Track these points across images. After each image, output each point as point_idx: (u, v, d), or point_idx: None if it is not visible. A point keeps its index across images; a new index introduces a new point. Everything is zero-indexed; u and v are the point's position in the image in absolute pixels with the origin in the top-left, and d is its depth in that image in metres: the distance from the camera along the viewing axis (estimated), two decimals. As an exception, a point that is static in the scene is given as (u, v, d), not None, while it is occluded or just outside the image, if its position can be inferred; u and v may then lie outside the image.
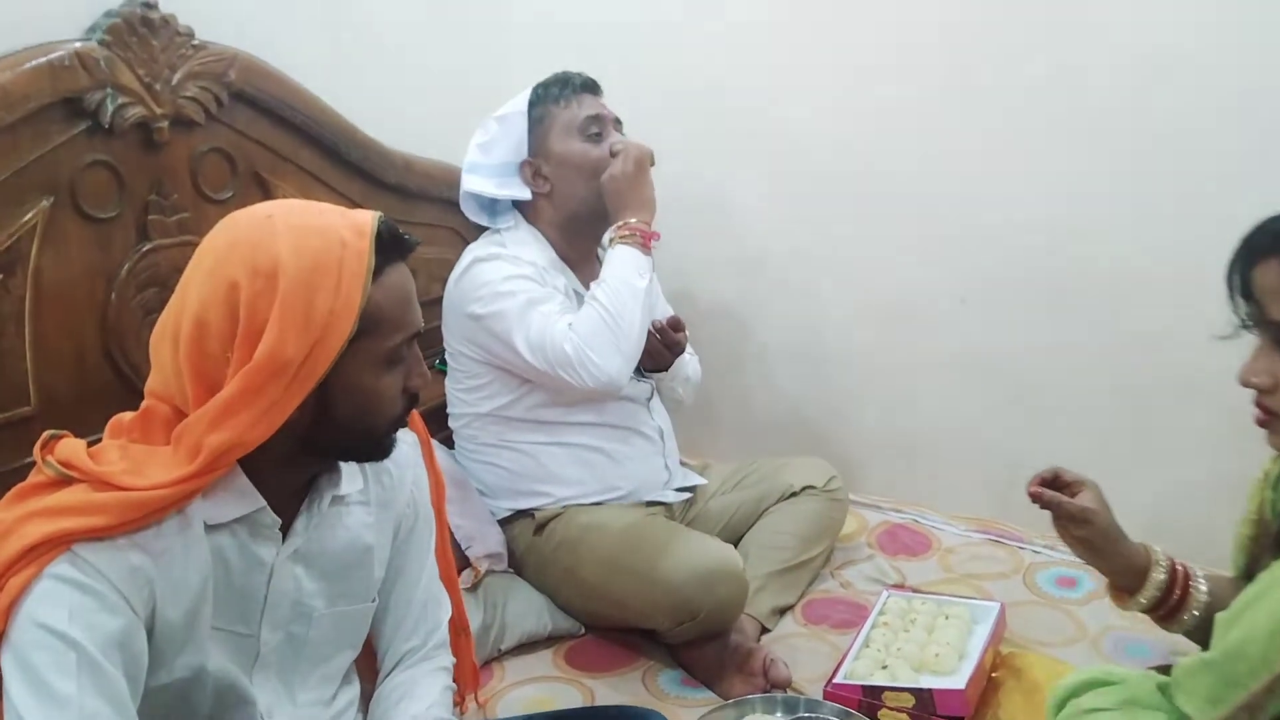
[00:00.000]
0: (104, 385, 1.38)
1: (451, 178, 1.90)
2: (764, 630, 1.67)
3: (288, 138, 1.59)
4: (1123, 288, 1.90)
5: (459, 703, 1.30)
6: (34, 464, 0.97)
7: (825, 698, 1.41)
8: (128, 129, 1.36)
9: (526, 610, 1.66)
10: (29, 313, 1.30)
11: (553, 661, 1.62)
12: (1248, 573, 1.16)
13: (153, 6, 1.37)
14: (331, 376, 0.96)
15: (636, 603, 1.56)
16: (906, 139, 2.02)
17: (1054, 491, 1.23)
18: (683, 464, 1.93)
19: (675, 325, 1.76)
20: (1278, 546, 1.14)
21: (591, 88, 1.77)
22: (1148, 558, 1.21)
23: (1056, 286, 1.97)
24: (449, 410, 1.81)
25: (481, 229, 1.82)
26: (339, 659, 1.15)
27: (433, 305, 1.75)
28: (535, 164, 1.74)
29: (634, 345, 1.62)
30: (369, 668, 1.23)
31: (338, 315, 0.95)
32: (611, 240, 1.67)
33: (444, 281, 1.76)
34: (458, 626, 1.29)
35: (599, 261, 1.84)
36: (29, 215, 1.29)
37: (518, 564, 1.75)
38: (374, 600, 1.17)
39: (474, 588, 1.62)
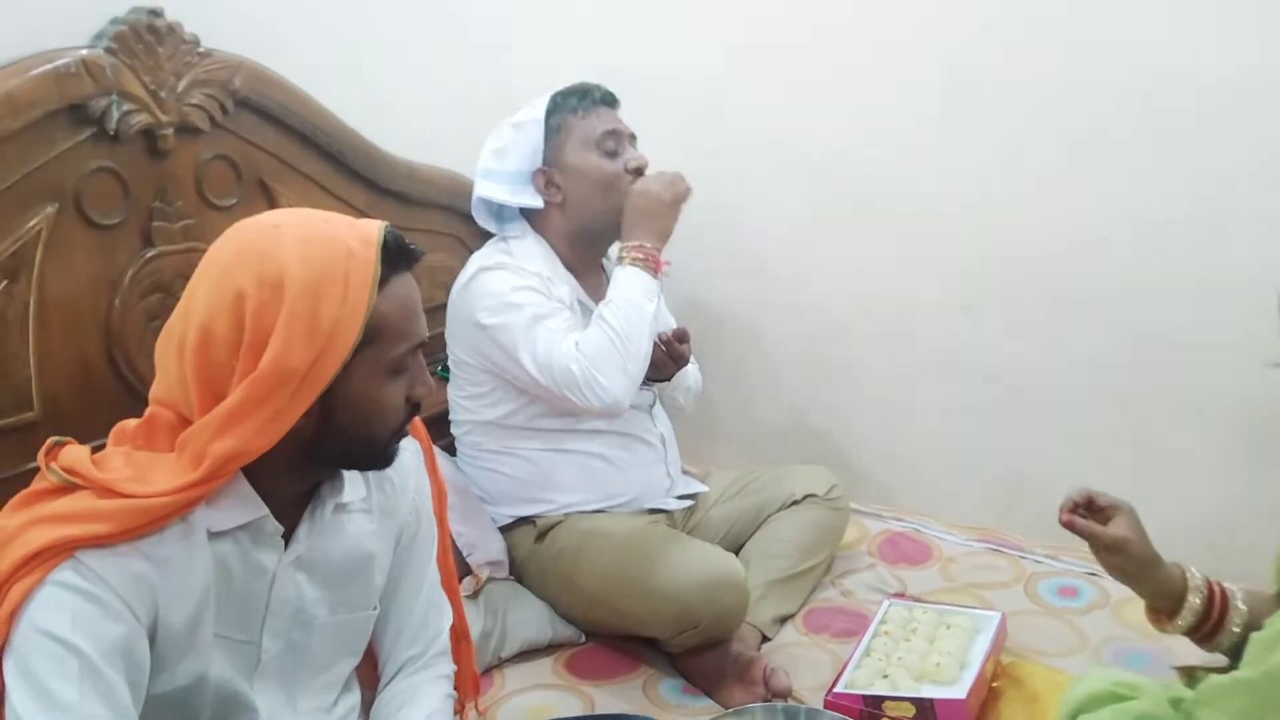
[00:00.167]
0: (107, 392, 1.38)
1: (455, 185, 1.91)
2: (765, 639, 1.67)
3: (292, 145, 1.60)
4: (1125, 298, 1.91)
5: (459, 710, 1.30)
6: (38, 470, 0.97)
7: (826, 707, 1.41)
8: (133, 136, 1.36)
9: (527, 618, 1.66)
10: (33, 318, 1.30)
11: (553, 669, 1.62)
12: None
13: (159, 14, 1.37)
14: (336, 385, 0.97)
15: (637, 611, 1.56)
16: (910, 150, 2.02)
17: (1087, 520, 1.20)
18: (685, 472, 1.93)
19: (680, 337, 1.76)
20: None
21: (610, 101, 1.76)
22: (1184, 581, 1.17)
23: (1059, 297, 1.97)
24: (451, 417, 1.82)
25: (485, 236, 1.83)
26: (340, 666, 1.15)
27: (435, 312, 1.75)
28: (549, 173, 1.74)
29: (640, 368, 1.62)
30: (370, 675, 1.23)
31: (343, 325, 0.95)
32: (620, 257, 1.67)
33: (447, 289, 1.76)
34: (459, 634, 1.29)
35: (604, 273, 1.84)
36: (34, 221, 1.29)
37: (519, 571, 1.75)
38: (375, 608, 1.17)
39: (475, 595, 1.62)
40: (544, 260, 1.74)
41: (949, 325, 2.07)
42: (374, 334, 0.97)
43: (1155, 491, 1.91)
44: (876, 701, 1.41)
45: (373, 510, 1.14)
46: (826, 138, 2.09)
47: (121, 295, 1.39)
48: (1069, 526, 1.20)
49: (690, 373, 1.89)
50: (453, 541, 1.46)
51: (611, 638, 1.67)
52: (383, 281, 0.98)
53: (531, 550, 1.72)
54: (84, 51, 1.31)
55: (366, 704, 1.21)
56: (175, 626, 0.96)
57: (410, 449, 1.18)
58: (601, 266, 1.86)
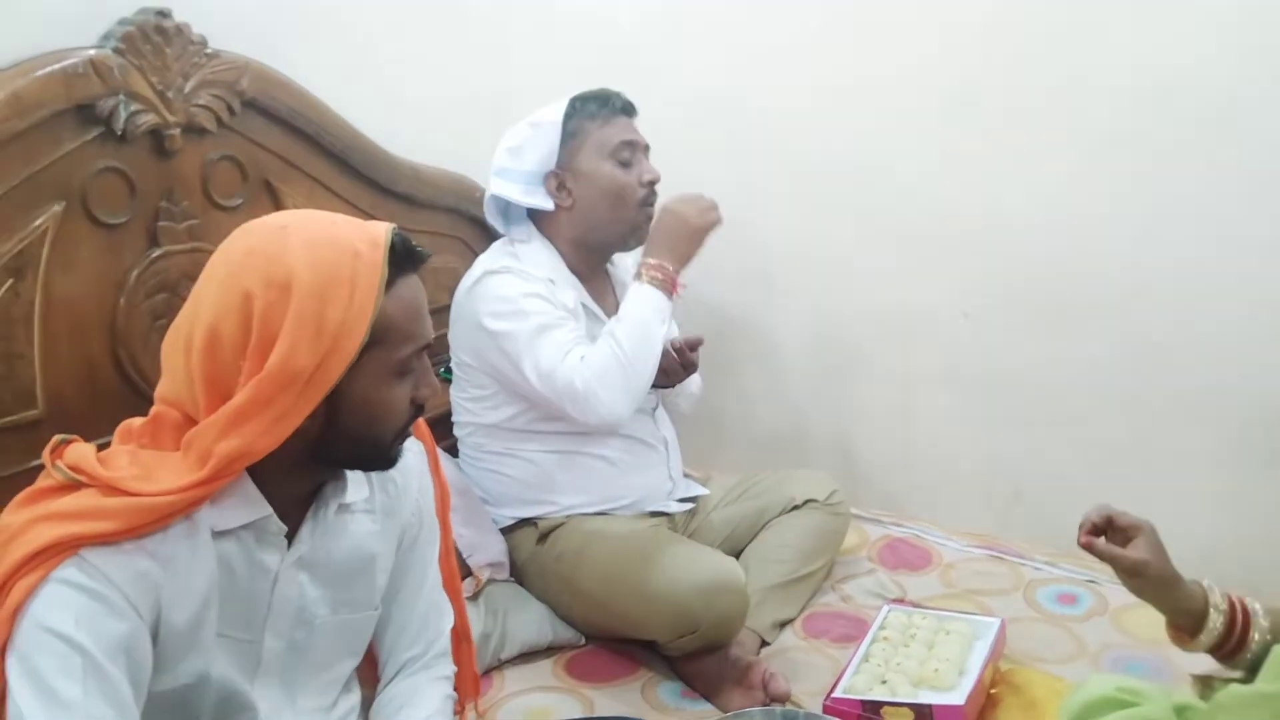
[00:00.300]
0: (112, 390, 1.39)
1: (460, 187, 1.92)
2: (764, 643, 1.67)
3: (298, 146, 1.61)
4: (1126, 302, 1.91)
5: (459, 711, 1.30)
6: (42, 467, 0.98)
7: (824, 712, 1.41)
8: (140, 136, 1.37)
9: (528, 620, 1.66)
10: (38, 317, 1.31)
11: (553, 671, 1.62)
12: None
13: (167, 15, 1.38)
14: (342, 387, 0.97)
15: (637, 614, 1.56)
16: (910, 153, 2.03)
17: (1106, 542, 1.19)
18: (686, 475, 1.93)
19: (692, 345, 1.76)
20: None
21: (630, 111, 1.76)
22: (1205, 599, 1.16)
23: (1059, 301, 1.97)
24: (454, 419, 1.82)
25: (490, 238, 1.83)
26: (341, 666, 1.16)
27: (440, 314, 1.75)
28: (561, 176, 1.73)
29: (643, 388, 1.62)
30: (370, 675, 1.23)
31: (349, 326, 0.95)
32: (639, 273, 1.66)
33: (451, 291, 1.76)
34: (459, 635, 1.29)
35: (609, 278, 1.85)
36: (40, 220, 1.30)
37: (519, 573, 1.75)
38: (377, 608, 1.18)
39: (475, 596, 1.62)
40: (550, 265, 1.74)
41: (950, 330, 2.08)
42: (380, 336, 0.98)
43: (1157, 497, 1.91)
44: (875, 707, 1.41)
45: (376, 511, 1.14)
46: (829, 141, 2.09)
47: (127, 294, 1.40)
48: (1088, 548, 1.19)
49: (694, 378, 1.89)
50: (453, 543, 1.46)
51: (611, 641, 1.67)
52: (389, 283, 0.98)
53: (533, 552, 1.72)
54: (92, 52, 1.32)
55: (366, 704, 1.21)
56: (178, 625, 0.96)
57: (414, 450, 1.19)
58: (606, 271, 1.86)
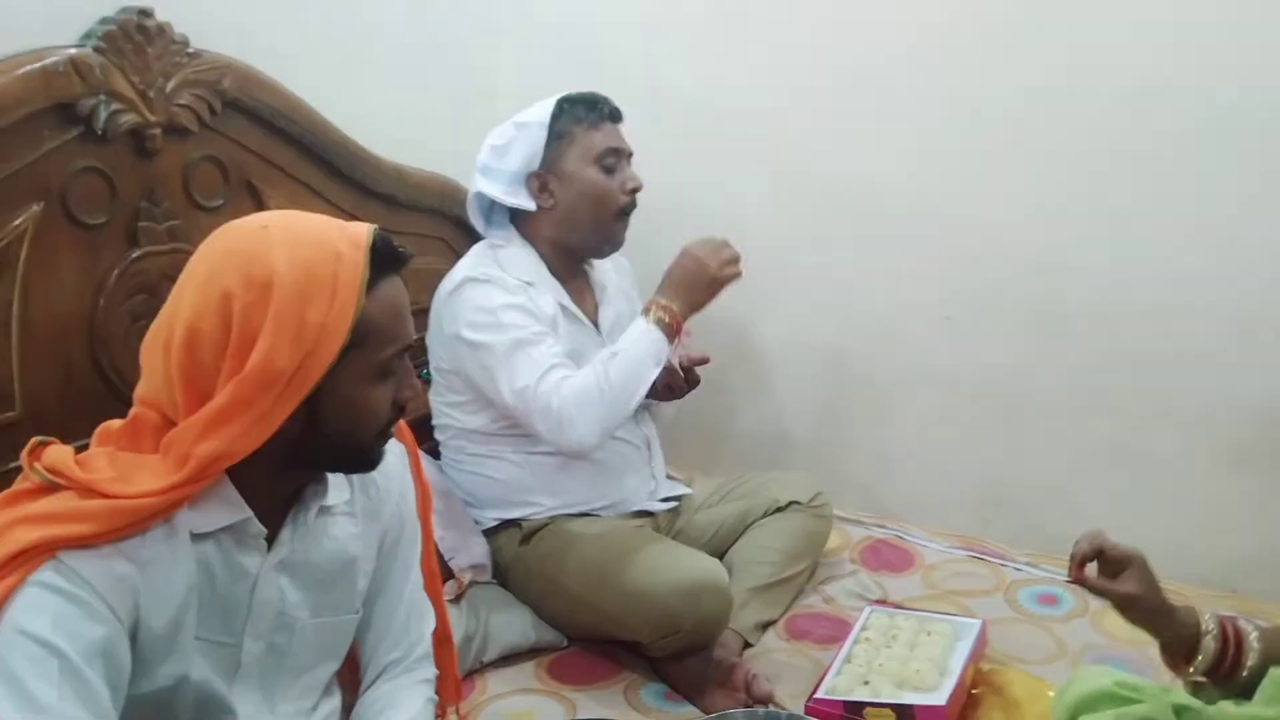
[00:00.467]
0: (91, 392, 1.38)
1: (443, 188, 1.91)
2: (747, 645, 1.68)
3: (280, 147, 1.60)
4: (1106, 308, 1.92)
5: (440, 715, 1.30)
6: (19, 470, 0.97)
7: (807, 713, 1.42)
8: (120, 136, 1.36)
9: (510, 622, 1.66)
10: (16, 318, 1.29)
11: (535, 674, 1.62)
12: None
13: (148, 14, 1.37)
14: (322, 388, 0.97)
15: (621, 615, 1.56)
16: (894, 157, 2.04)
17: (1096, 576, 1.19)
18: (669, 477, 1.93)
19: (698, 363, 1.79)
20: None
21: (617, 117, 1.76)
22: (1198, 626, 1.16)
23: (1040, 306, 1.98)
24: (434, 422, 1.81)
25: (472, 240, 1.82)
26: (321, 670, 1.15)
27: (421, 315, 1.75)
28: (544, 178, 1.73)
29: (617, 425, 1.62)
30: (351, 679, 1.23)
31: (330, 327, 0.95)
32: (647, 308, 1.65)
33: (434, 292, 1.75)
34: (440, 638, 1.29)
35: (588, 279, 1.84)
36: (19, 220, 1.28)
37: (502, 575, 1.75)
38: (358, 611, 1.17)
39: (457, 599, 1.62)
40: (530, 267, 1.74)
41: (932, 334, 2.09)
42: (361, 337, 0.97)
43: (1134, 499, 1.95)
44: (857, 708, 1.41)
45: (356, 513, 1.14)
46: (811, 144, 2.10)
47: (106, 295, 1.38)
48: (1079, 582, 1.20)
49: None
50: (435, 545, 1.46)
51: (594, 643, 1.67)
52: (371, 284, 0.98)
53: (517, 553, 1.72)
54: (72, 50, 1.30)
55: (347, 707, 1.21)
56: (157, 628, 0.96)
57: (395, 452, 1.18)
58: (585, 273, 1.86)
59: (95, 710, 0.88)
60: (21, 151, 1.27)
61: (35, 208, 1.30)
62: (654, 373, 1.62)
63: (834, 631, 1.70)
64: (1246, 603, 1.75)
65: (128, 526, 0.92)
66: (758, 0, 2.08)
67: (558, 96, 1.74)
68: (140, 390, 1.01)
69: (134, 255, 1.41)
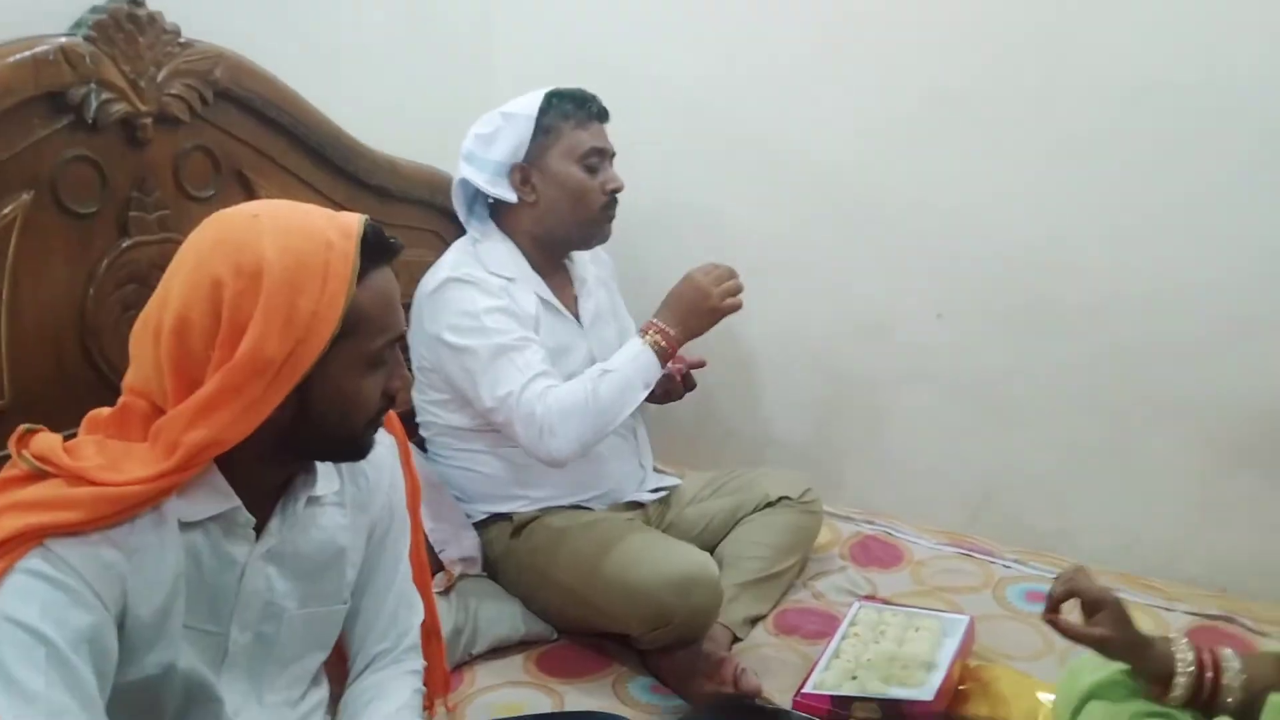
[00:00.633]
0: (80, 380, 1.37)
1: (434, 180, 1.91)
2: (736, 639, 1.68)
3: (272, 137, 1.59)
4: (1098, 305, 1.93)
5: (428, 706, 1.30)
6: (8, 458, 0.97)
7: (794, 707, 1.42)
8: (111, 125, 1.35)
9: (499, 615, 1.66)
10: (5, 306, 1.29)
11: (524, 667, 1.62)
12: None
13: (139, 3, 1.37)
14: (312, 377, 0.97)
15: (611, 607, 1.57)
16: (886, 154, 2.04)
17: (1067, 620, 1.22)
18: (657, 470, 1.94)
19: (694, 366, 1.81)
20: None
21: (604, 117, 1.76)
22: (1172, 660, 1.18)
23: (1032, 303, 1.99)
24: (419, 419, 1.81)
25: (462, 232, 1.82)
26: (309, 660, 1.15)
27: (410, 307, 1.75)
28: (527, 171, 1.73)
29: (598, 440, 1.62)
30: (339, 670, 1.23)
31: (321, 316, 0.95)
32: (644, 329, 1.66)
33: (422, 285, 1.75)
34: (429, 630, 1.29)
35: (568, 272, 1.85)
36: (8, 209, 1.28)
37: (492, 567, 1.75)
38: (346, 602, 1.17)
39: (447, 591, 1.62)
40: (511, 262, 1.74)
41: (924, 331, 2.09)
42: (352, 326, 0.97)
43: (1124, 497, 1.95)
44: (844, 702, 1.42)
45: (346, 504, 1.14)
46: (802, 141, 2.10)
47: (97, 285, 1.38)
48: (1052, 625, 1.22)
49: None
50: (425, 537, 1.46)
51: (583, 636, 1.67)
52: (361, 274, 0.98)
53: (508, 546, 1.72)
54: (63, 39, 1.30)
55: (335, 698, 1.21)
56: (144, 616, 0.95)
57: (385, 443, 1.18)
58: (565, 267, 1.86)
59: (82, 698, 0.88)
60: (11, 140, 1.27)
61: (25, 197, 1.29)
62: (642, 395, 1.63)
63: (823, 627, 1.71)
64: (1236, 602, 1.76)
65: (116, 514, 0.92)
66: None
67: (546, 90, 1.74)
68: (129, 378, 1.01)
69: (124, 245, 1.41)
